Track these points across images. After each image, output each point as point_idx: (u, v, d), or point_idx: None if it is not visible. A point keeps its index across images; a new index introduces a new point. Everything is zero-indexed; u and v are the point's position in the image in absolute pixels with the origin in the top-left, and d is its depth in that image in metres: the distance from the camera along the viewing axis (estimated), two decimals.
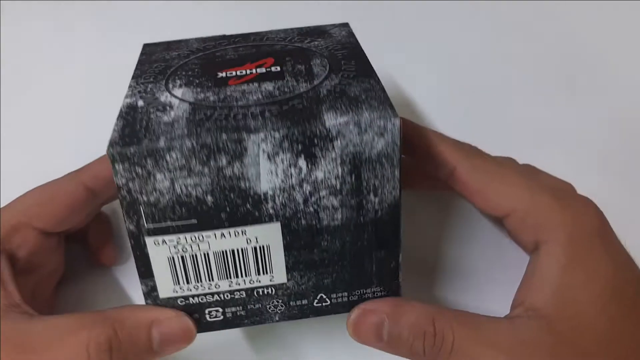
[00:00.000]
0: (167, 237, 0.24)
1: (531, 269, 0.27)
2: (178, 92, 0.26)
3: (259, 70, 0.27)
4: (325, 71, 0.26)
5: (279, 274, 0.25)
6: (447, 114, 0.41)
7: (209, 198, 0.23)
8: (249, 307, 0.26)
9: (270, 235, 0.24)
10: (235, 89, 0.25)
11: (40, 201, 0.29)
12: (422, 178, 0.33)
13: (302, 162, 0.23)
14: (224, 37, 0.32)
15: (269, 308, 0.26)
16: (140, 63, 0.29)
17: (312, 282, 0.26)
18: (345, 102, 0.24)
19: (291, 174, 0.23)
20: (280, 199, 0.23)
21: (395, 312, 0.25)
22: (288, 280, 0.25)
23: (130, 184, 0.23)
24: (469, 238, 0.36)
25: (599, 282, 0.25)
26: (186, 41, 0.31)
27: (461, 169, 0.28)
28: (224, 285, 0.25)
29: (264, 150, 0.23)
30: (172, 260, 0.25)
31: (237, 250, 0.25)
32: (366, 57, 0.28)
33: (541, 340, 0.24)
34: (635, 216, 0.36)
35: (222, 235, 0.24)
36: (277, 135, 0.22)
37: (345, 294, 0.26)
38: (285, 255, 0.25)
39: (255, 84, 0.26)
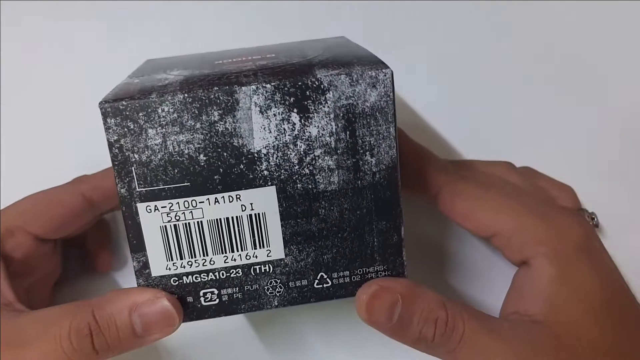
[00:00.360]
0: (159, 203, 0.23)
1: (520, 282, 0.27)
2: (174, 73, 0.26)
3: (254, 57, 0.27)
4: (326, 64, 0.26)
5: (276, 248, 0.24)
6: (447, 114, 0.41)
7: (202, 157, 0.23)
8: (245, 288, 0.24)
9: (265, 200, 0.23)
10: (231, 66, 0.26)
11: (36, 207, 0.29)
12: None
13: (295, 117, 0.23)
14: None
15: (267, 290, 0.24)
16: (135, 72, 0.29)
17: (312, 257, 0.24)
18: (337, 64, 0.24)
19: (284, 130, 0.23)
20: (274, 158, 0.23)
21: (409, 293, 0.24)
22: (286, 255, 0.24)
23: (122, 141, 0.22)
24: (468, 238, 0.35)
25: (588, 295, 0.25)
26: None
27: (444, 193, 0.28)
28: (219, 261, 0.24)
29: (255, 104, 0.22)
30: (164, 230, 0.23)
31: (232, 219, 0.24)
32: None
33: (544, 342, 0.24)
34: (636, 216, 0.36)
35: (216, 200, 0.23)
36: (268, 86, 0.22)
37: (347, 273, 0.25)
38: (282, 225, 0.24)
39: (250, 63, 0.26)
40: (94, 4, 0.42)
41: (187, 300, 0.24)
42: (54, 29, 0.43)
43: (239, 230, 0.24)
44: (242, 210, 0.24)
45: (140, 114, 0.22)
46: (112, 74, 0.31)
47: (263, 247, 0.24)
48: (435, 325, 0.23)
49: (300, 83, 0.22)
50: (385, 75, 0.23)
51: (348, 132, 0.23)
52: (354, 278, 0.25)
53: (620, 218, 0.35)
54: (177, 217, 0.23)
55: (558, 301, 0.25)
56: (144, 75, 0.26)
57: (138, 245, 0.23)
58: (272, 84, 0.22)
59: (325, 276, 0.24)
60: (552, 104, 0.41)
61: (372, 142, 0.23)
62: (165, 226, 0.23)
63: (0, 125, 0.40)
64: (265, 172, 0.23)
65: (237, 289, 0.24)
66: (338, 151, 0.23)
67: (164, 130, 0.22)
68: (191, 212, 0.23)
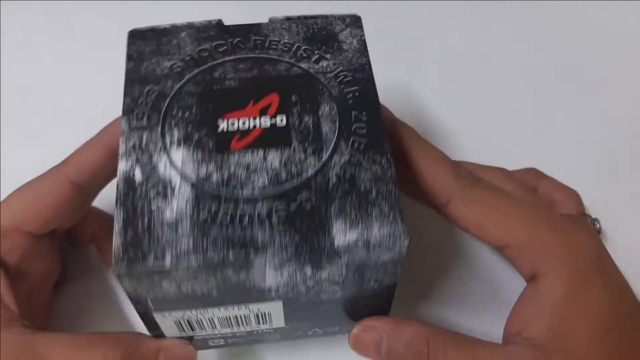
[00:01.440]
0: (174, 312, 0.25)
1: (527, 299, 0.27)
2: (177, 156, 0.24)
3: (263, 121, 0.24)
4: (334, 133, 0.24)
5: (277, 323, 0.27)
6: (448, 114, 0.41)
7: (215, 293, 0.23)
8: (249, 339, 0.28)
9: (272, 307, 0.25)
10: (239, 161, 0.23)
11: (24, 202, 0.28)
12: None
13: (308, 269, 0.23)
14: (220, 32, 0.27)
15: (267, 338, 0.28)
16: (129, 80, 0.26)
17: (307, 326, 0.28)
18: (355, 202, 0.22)
19: (296, 275, 0.23)
20: (283, 289, 0.24)
21: (394, 329, 0.26)
22: (286, 324, 0.27)
23: (138, 289, 0.23)
24: (467, 259, 0.35)
25: (596, 316, 0.25)
26: (176, 36, 0.27)
27: (457, 201, 0.26)
28: (227, 331, 0.27)
29: (270, 263, 0.22)
30: (178, 323, 0.26)
31: (241, 316, 0.26)
32: (377, 102, 0.25)
33: None
34: (636, 216, 0.36)
35: (226, 308, 0.25)
36: (284, 253, 0.22)
37: (337, 328, 0.29)
38: (284, 314, 0.26)
39: (260, 154, 0.24)
40: (95, 3, 0.42)
41: (197, 345, 0.28)
42: (54, 28, 0.43)
43: (246, 320, 0.26)
44: (250, 312, 0.25)
45: (156, 276, 0.22)
46: (112, 74, 0.30)
47: (265, 323, 0.27)
48: (419, 357, 0.25)
49: (317, 248, 0.22)
50: (402, 245, 0.22)
51: (357, 275, 0.23)
52: (342, 329, 0.29)
53: (621, 219, 0.36)
54: (190, 315, 0.26)
55: (562, 326, 0.25)
56: (143, 148, 0.24)
57: (153, 327, 0.26)
58: (289, 250, 0.22)
59: (319, 330, 0.29)
60: (552, 104, 0.41)
61: (378, 277, 0.24)
62: (179, 321, 0.26)
63: (0, 125, 0.40)
64: (274, 295, 0.24)
65: (241, 339, 0.28)
66: (345, 283, 0.24)
67: (178, 282, 0.22)
68: (203, 314, 0.25)
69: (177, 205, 0.22)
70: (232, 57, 0.26)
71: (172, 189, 0.23)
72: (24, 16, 0.44)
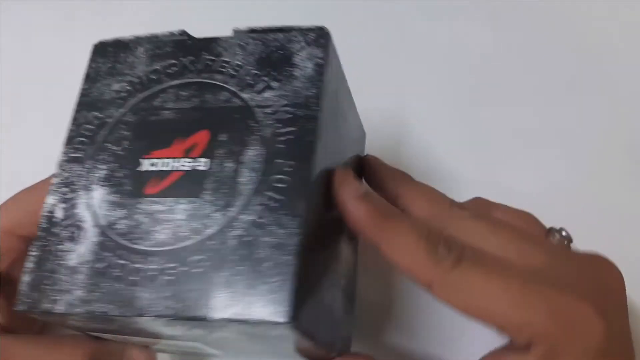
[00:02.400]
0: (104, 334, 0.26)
1: None
2: (97, 195, 0.24)
3: (183, 164, 0.23)
4: (252, 184, 0.22)
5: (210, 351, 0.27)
6: (447, 114, 0.40)
7: (126, 330, 0.24)
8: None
9: (186, 343, 0.26)
10: (147, 209, 0.23)
11: (20, 208, 0.28)
12: None
13: (197, 330, 0.23)
14: (177, 48, 0.26)
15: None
16: (80, 103, 0.26)
17: None
18: (245, 273, 0.21)
19: (189, 332, 0.23)
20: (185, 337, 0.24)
21: None
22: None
23: (49, 320, 0.24)
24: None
25: None
26: (134, 52, 0.26)
27: (439, 288, 0.23)
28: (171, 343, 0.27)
29: (153, 322, 0.22)
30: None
31: (170, 345, 0.26)
32: (312, 145, 0.22)
33: None
34: (636, 216, 0.35)
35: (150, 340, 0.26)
36: (164, 318, 0.21)
37: None
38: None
39: (170, 203, 0.23)
40: (95, 3, 0.42)
41: None
42: (54, 28, 0.43)
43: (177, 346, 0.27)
44: (173, 345, 0.26)
45: (56, 317, 0.23)
46: None
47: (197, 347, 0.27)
48: None
49: (195, 318, 0.21)
50: (287, 327, 0.20)
51: (252, 339, 0.23)
52: None
53: (621, 217, 0.35)
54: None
55: None
56: (70, 184, 0.24)
57: None
58: (170, 316, 0.21)
59: None
60: (553, 103, 0.40)
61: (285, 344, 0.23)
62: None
63: (0, 126, 0.40)
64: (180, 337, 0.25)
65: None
66: (246, 341, 0.24)
67: (82, 322, 0.24)
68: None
69: (82, 251, 0.23)
70: (177, 82, 0.25)
71: (83, 233, 0.23)
72: (24, 15, 0.45)
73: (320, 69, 0.24)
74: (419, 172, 0.34)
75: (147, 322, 0.22)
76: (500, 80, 0.41)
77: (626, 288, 0.24)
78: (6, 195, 0.30)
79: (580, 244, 0.30)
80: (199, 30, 0.27)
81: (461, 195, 0.30)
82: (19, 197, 0.29)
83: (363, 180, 0.30)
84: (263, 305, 0.20)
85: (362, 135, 0.33)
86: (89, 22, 0.45)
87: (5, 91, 0.43)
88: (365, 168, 0.30)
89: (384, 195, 0.28)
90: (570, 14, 0.43)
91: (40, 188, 0.28)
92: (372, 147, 0.33)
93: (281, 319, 0.20)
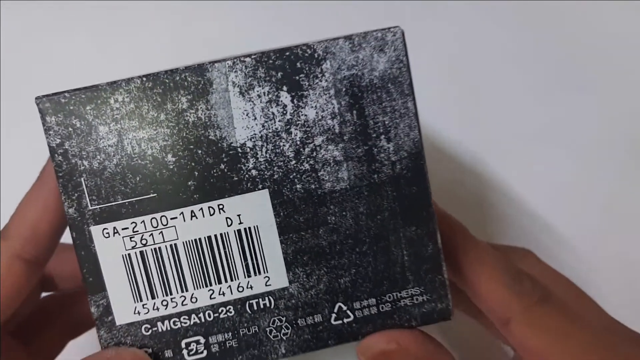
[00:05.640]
0: (119, 224, 0.18)
1: None
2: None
3: None
4: None
5: (276, 274, 0.18)
6: (447, 114, 0.40)
7: (170, 158, 0.18)
8: (241, 332, 0.19)
9: (257, 210, 0.18)
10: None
11: (24, 227, 0.21)
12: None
13: (285, 97, 0.18)
14: None
15: (270, 332, 0.19)
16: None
17: (324, 283, 0.19)
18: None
19: (273, 115, 0.18)
20: (264, 152, 0.18)
21: None
22: (290, 282, 0.18)
23: (67, 144, 0.18)
24: None
25: None
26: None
27: (518, 324, 0.20)
28: (203, 298, 0.18)
29: (234, 83, 0.18)
30: (128, 260, 0.18)
31: (216, 238, 0.18)
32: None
33: None
34: (635, 216, 0.35)
35: (193, 214, 0.18)
36: (248, 60, 0.18)
37: (373, 301, 0.19)
38: (281, 241, 0.18)
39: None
40: (95, 4, 0.42)
41: (166, 355, 0.19)
42: (54, 28, 0.44)
43: (225, 252, 0.18)
44: (228, 226, 0.18)
45: (88, 108, 0.18)
46: (113, 74, 0.28)
47: (259, 273, 0.18)
48: None
49: (287, 53, 0.18)
50: (394, 36, 0.18)
51: (355, 112, 0.18)
52: (382, 307, 0.19)
53: (621, 217, 0.35)
54: (144, 241, 0.18)
55: None
56: None
57: (96, 284, 0.18)
58: (253, 57, 0.18)
59: (344, 307, 0.19)
60: (553, 103, 0.40)
61: (386, 122, 0.18)
62: (129, 254, 0.18)
63: (0, 126, 0.40)
64: (254, 172, 0.18)
65: (230, 334, 0.19)
66: (344, 137, 0.18)
67: (119, 126, 0.18)
68: (161, 232, 0.18)
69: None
70: None
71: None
72: (24, 16, 0.45)
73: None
74: None
75: (220, 94, 0.18)
76: (501, 79, 0.42)
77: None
78: (6, 194, 0.28)
79: (580, 243, 0.33)
80: (200, 29, 0.30)
81: (462, 195, 0.32)
82: (21, 210, 0.21)
83: None
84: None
85: None
86: (89, 22, 0.45)
87: (6, 91, 0.43)
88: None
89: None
90: (571, 13, 0.44)
91: (38, 196, 0.21)
92: None
93: (390, 27, 0.18)
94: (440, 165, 0.38)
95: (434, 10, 0.45)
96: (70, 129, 0.18)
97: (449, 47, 0.44)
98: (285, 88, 0.18)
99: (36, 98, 0.18)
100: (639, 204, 0.36)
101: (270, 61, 0.18)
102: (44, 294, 0.25)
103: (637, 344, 0.21)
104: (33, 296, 0.24)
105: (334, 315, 0.19)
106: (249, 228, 0.18)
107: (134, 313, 0.19)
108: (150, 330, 0.19)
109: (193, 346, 0.19)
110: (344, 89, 0.18)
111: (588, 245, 0.31)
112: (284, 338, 0.19)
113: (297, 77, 0.18)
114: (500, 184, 0.36)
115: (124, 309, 0.18)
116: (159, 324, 0.19)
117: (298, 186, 0.18)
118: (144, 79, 0.18)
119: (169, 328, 0.19)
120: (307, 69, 0.18)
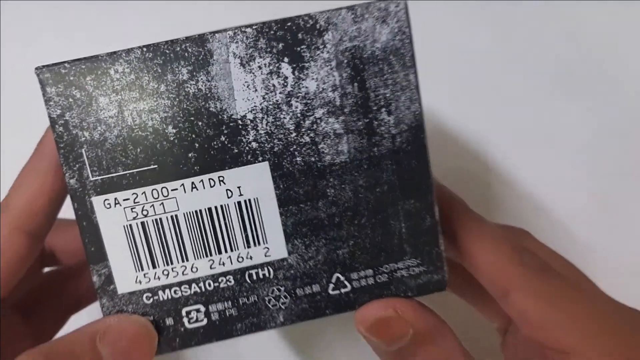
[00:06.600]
0: (120, 195, 0.18)
1: None
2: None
3: None
4: None
5: (275, 245, 0.19)
6: (446, 113, 0.40)
7: (171, 129, 0.18)
8: (240, 301, 0.19)
9: (257, 182, 0.18)
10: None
11: (24, 197, 0.21)
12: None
13: (286, 68, 0.18)
14: None
15: (269, 301, 0.19)
16: None
17: (323, 254, 0.19)
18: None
19: (274, 87, 0.18)
20: (264, 124, 0.18)
21: (425, 334, 0.19)
22: (289, 253, 0.19)
23: (67, 115, 0.18)
24: None
25: None
26: None
27: (519, 295, 0.20)
28: (204, 267, 0.19)
29: (234, 54, 0.18)
30: (129, 231, 0.18)
31: (216, 209, 0.18)
32: None
33: None
34: (635, 216, 0.35)
35: (193, 186, 0.18)
36: (249, 30, 0.18)
37: (370, 271, 0.19)
38: (281, 213, 0.19)
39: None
40: (95, 4, 0.42)
41: (167, 323, 0.19)
42: (54, 28, 0.44)
43: (225, 223, 0.19)
44: (228, 197, 0.18)
45: (88, 79, 0.18)
46: None
47: (259, 244, 0.19)
48: None
49: (289, 23, 0.18)
50: (397, 7, 0.18)
51: (356, 84, 0.18)
52: (379, 278, 0.19)
53: (621, 217, 0.35)
54: (145, 212, 0.18)
55: None
56: None
57: (97, 254, 0.19)
58: (254, 27, 0.18)
59: (342, 278, 0.19)
60: (553, 102, 0.40)
61: (387, 95, 0.18)
62: (130, 225, 0.18)
63: (0, 126, 0.40)
64: (254, 144, 0.18)
65: (230, 303, 0.19)
66: (345, 110, 0.18)
67: (119, 97, 0.18)
68: (162, 203, 0.18)
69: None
70: None
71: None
72: (24, 15, 0.46)
73: None
74: None
75: (221, 65, 0.18)
76: (501, 78, 0.42)
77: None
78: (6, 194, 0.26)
79: (580, 242, 0.33)
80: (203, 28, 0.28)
81: (462, 194, 0.29)
82: (19, 183, 0.21)
83: None
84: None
85: None
86: (89, 22, 0.45)
87: (6, 91, 0.43)
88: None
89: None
90: (572, 12, 0.44)
91: (37, 167, 0.21)
92: None
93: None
94: (440, 164, 0.38)
95: (433, 8, 0.45)
96: (70, 99, 0.18)
97: (448, 47, 0.43)
98: (286, 59, 0.18)
99: (36, 68, 0.18)
100: (636, 203, 0.36)
101: (272, 32, 0.18)
102: (46, 269, 0.26)
103: (635, 316, 0.21)
104: (34, 271, 0.24)
105: (331, 285, 0.19)
106: (249, 200, 0.18)
107: (136, 282, 0.19)
108: (151, 299, 0.19)
109: (193, 314, 0.19)
110: (345, 61, 0.18)
111: (588, 244, 0.31)
112: (283, 307, 0.19)
113: (299, 49, 0.18)
114: (500, 182, 0.37)
115: (126, 278, 0.19)
116: (160, 292, 0.19)
117: (298, 159, 0.18)
118: (144, 49, 0.18)
119: (169, 297, 0.19)
120: (308, 40, 0.18)
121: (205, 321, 0.19)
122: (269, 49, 0.18)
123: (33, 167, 0.21)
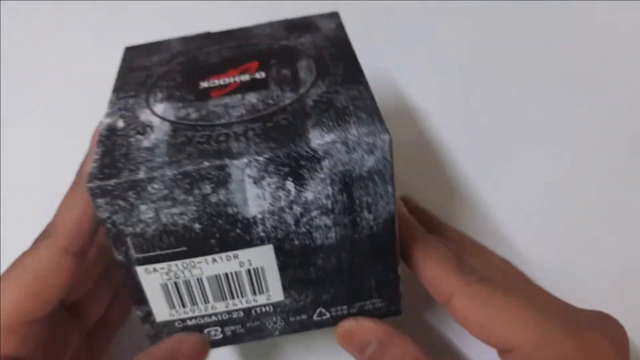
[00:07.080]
0: (157, 265, 0.24)
1: None
2: (159, 108, 0.25)
3: (242, 77, 0.26)
4: (311, 76, 0.26)
5: (275, 293, 0.25)
6: (446, 113, 0.41)
7: (197, 225, 0.23)
8: (248, 325, 0.26)
9: (263, 257, 0.24)
10: (218, 103, 0.25)
11: (24, 290, 0.24)
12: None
13: (290, 185, 0.22)
14: (208, 34, 0.31)
15: (269, 324, 0.26)
16: (120, 72, 0.28)
17: (310, 298, 0.25)
18: (332, 115, 0.23)
19: (280, 197, 0.22)
20: (271, 222, 0.23)
21: (385, 339, 0.25)
22: (285, 297, 0.25)
23: (114, 217, 0.22)
24: None
25: None
26: (168, 42, 0.30)
27: (459, 298, 0.25)
28: (221, 307, 0.25)
29: (249, 175, 0.22)
30: (165, 287, 0.24)
31: (231, 274, 0.24)
32: (356, 57, 0.27)
33: None
34: (635, 216, 0.35)
35: (214, 260, 0.24)
36: (260, 159, 0.22)
37: (345, 307, 0.26)
38: (280, 275, 0.25)
39: (239, 96, 0.25)
40: (95, 4, 0.43)
41: None
42: (54, 29, 0.44)
43: (238, 282, 0.25)
44: (241, 267, 0.24)
45: (130, 193, 0.22)
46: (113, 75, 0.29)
47: (262, 293, 0.25)
48: None
49: (294, 154, 0.22)
50: (383, 142, 0.22)
51: (345, 194, 0.23)
52: (351, 310, 0.26)
53: (620, 217, 0.35)
54: (177, 276, 0.24)
55: None
56: (128, 108, 0.25)
57: (140, 299, 0.24)
58: (265, 156, 0.22)
59: (324, 310, 0.26)
60: (553, 102, 0.41)
61: (369, 201, 0.23)
62: (166, 284, 0.24)
63: (0, 127, 0.41)
64: (262, 234, 0.23)
65: (240, 326, 0.26)
66: (335, 211, 0.23)
67: (155, 205, 0.22)
68: (190, 270, 0.24)
69: (154, 137, 0.23)
70: (216, 47, 0.29)
71: (151, 127, 0.24)
72: (24, 16, 0.46)
73: (341, 25, 0.30)
74: (419, 170, 0.38)
75: (237, 184, 0.22)
76: (501, 78, 0.42)
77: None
78: (6, 195, 0.29)
79: (580, 241, 0.33)
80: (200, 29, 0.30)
81: (462, 193, 0.31)
82: (16, 275, 0.24)
83: None
84: (357, 128, 0.22)
85: None
86: (89, 22, 0.46)
87: (6, 91, 0.43)
88: None
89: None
90: (572, 11, 0.45)
91: (37, 258, 0.24)
92: None
93: (380, 135, 0.22)
94: (440, 164, 0.39)
95: (433, 8, 0.46)
96: (116, 206, 0.22)
97: (448, 47, 0.44)
98: (290, 179, 0.22)
99: (87, 183, 0.21)
100: (637, 204, 0.36)
101: (279, 160, 0.22)
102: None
103: (563, 308, 0.25)
104: (91, 273, 0.28)
105: (315, 315, 0.26)
106: (257, 268, 0.24)
107: (169, 315, 0.25)
108: (182, 324, 0.26)
109: (212, 332, 0.26)
110: (338, 179, 0.22)
111: (588, 243, 0.31)
112: (279, 328, 0.26)
113: (301, 171, 0.22)
114: (500, 182, 0.38)
115: (162, 313, 0.25)
116: (188, 321, 0.26)
117: (296, 242, 0.24)
118: (175, 172, 0.22)
119: (195, 323, 0.26)
120: (308, 165, 0.22)
121: (221, 336, 0.26)
122: (276, 172, 0.22)
123: (75, 195, 0.25)
